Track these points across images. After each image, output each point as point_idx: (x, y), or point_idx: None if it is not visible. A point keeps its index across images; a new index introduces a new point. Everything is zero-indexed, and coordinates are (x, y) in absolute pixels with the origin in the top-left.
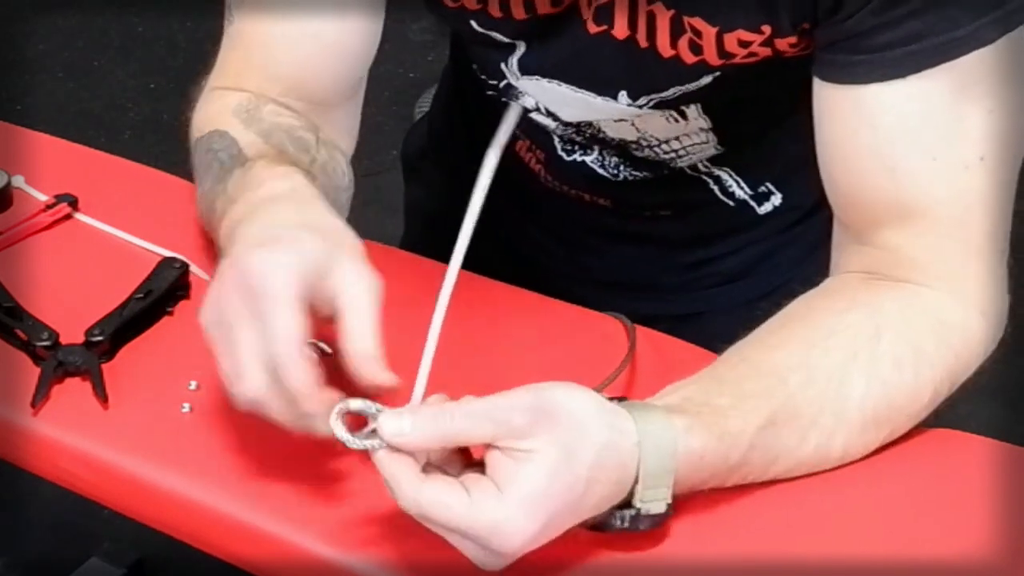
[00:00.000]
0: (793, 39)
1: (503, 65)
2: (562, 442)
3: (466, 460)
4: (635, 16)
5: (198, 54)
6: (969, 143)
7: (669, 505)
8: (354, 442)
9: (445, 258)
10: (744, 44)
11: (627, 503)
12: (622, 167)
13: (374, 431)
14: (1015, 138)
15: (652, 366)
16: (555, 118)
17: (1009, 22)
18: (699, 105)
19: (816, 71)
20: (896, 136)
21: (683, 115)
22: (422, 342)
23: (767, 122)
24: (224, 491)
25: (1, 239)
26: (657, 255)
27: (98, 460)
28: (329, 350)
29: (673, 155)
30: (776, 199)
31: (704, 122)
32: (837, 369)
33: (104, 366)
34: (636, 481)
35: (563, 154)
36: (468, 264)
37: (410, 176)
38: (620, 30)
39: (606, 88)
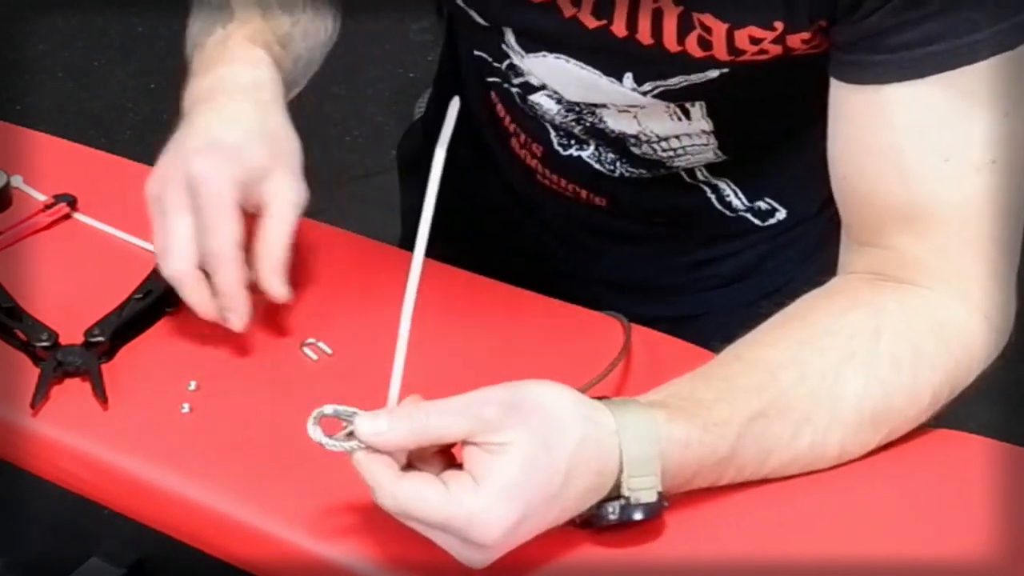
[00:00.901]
0: (807, 35)
1: (503, 45)
2: (537, 434)
3: (447, 462)
4: (635, 15)
5: None
6: (981, 146)
7: (660, 494)
8: (332, 444)
9: (444, 258)
10: (755, 41)
11: (616, 495)
12: (619, 163)
13: (351, 433)
14: None
15: (647, 365)
16: (559, 100)
17: None
18: (704, 105)
19: (833, 71)
20: (912, 136)
21: (687, 114)
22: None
23: (770, 133)
24: (224, 491)
25: (0, 239)
26: (656, 256)
27: (98, 460)
28: (329, 350)
29: (671, 154)
30: (781, 214)
31: (707, 124)
32: (831, 368)
33: (104, 366)
34: (621, 470)
35: (559, 148)
36: (467, 263)
37: (406, 178)
38: (619, 29)
39: (611, 68)
